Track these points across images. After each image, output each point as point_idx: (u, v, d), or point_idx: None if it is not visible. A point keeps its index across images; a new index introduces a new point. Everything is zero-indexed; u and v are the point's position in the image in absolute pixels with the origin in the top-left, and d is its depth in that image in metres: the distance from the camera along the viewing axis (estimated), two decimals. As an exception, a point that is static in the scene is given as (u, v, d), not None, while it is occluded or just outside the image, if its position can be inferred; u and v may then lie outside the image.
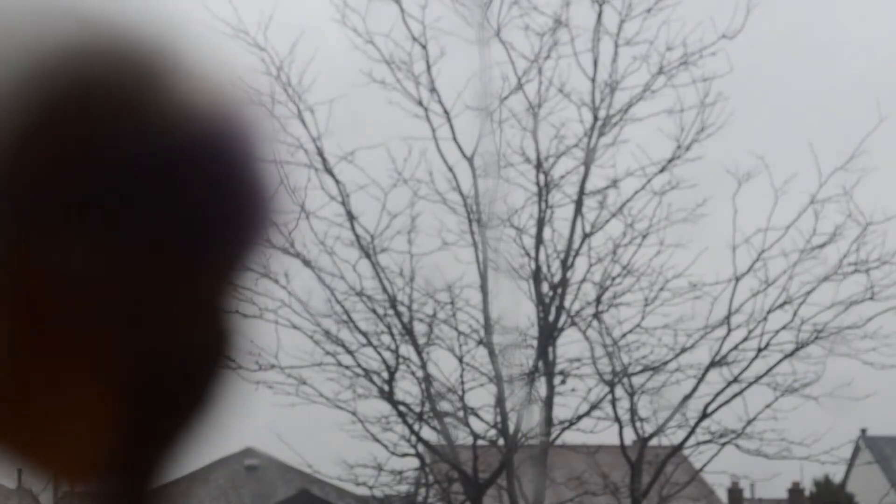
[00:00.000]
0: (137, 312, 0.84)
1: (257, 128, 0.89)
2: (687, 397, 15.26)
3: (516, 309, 15.36)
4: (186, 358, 0.88)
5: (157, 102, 0.83)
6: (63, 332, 0.83)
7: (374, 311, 15.02)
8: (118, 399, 0.85)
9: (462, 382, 15.14)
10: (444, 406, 15.21)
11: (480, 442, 15.20)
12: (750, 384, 15.26)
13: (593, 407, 15.32)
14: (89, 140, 0.81)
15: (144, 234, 0.83)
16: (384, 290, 15.01)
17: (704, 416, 15.27)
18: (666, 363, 15.31)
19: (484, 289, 15.16)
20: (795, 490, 35.54)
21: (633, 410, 15.34)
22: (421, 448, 15.38)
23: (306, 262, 14.85)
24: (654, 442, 15.60)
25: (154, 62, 0.84)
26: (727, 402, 15.29)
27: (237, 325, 0.90)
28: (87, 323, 0.83)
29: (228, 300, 0.89)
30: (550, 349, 15.25)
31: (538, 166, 15.28)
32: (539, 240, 15.29)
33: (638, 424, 15.39)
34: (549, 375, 15.17)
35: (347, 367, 14.97)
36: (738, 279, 15.30)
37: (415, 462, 15.68)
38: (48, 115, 0.81)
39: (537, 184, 15.30)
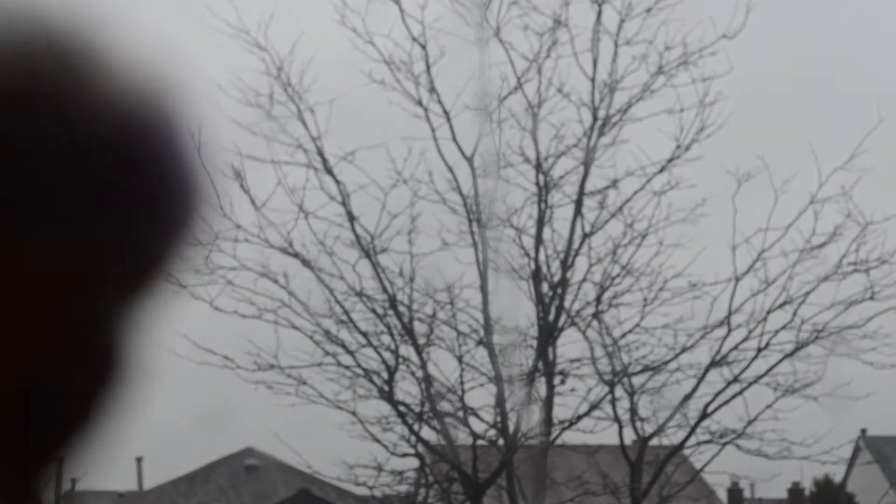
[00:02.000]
0: (39, 311, 0.83)
1: (184, 118, 0.87)
2: (687, 397, 15.26)
3: (516, 309, 15.37)
4: (79, 362, 0.87)
5: (80, 93, 0.82)
6: None
7: (373, 311, 15.03)
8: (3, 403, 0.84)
9: (462, 382, 15.16)
10: (444, 406, 15.22)
11: (480, 442, 15.20)
12: (750, 384, 15.27)
13: (593, 407, 15.32)
14: (11, 131, 0.81)
15: (65, 227, 0.82)
16: (384, 290, 15.01)
17: (704, 416, 15.28)
18: (666, 363, 15.32)
19: (484, 289, 15.16)
20: (795, 490, 35.50)
21: (633, 410, 15.35)
22: (421, 448, 15.38)
23: (306, 262, 14.86)
24: (654, 442, 15.60)
25: (76, 53, 0.83)
26: (727, 402, 15.30)
27: (144, 330, 0.88)
28: None
29: (142, 302, 0.87)
30: (550, 349, 15.25)
31: (538, 166, 15.28)
32: (539, 240, 15.29)
33: (638, 424, 15.40)
34: (549, 375, 15.17)
35: (347, 368, 14.98)
36: (738, 279, 15.30)
37: (415, 462, 15.70)
38: None
39: (537, 184, 15.30)
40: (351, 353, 14.96)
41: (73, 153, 0.82)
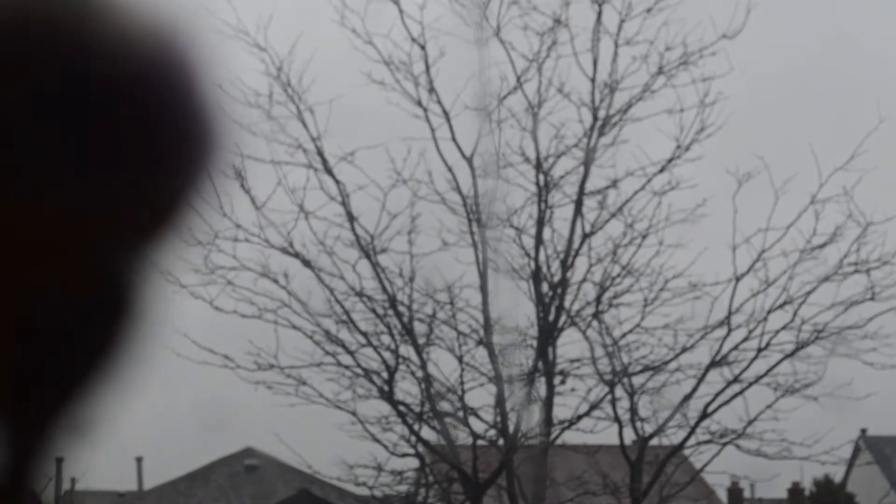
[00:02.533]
0: (54, 250, 0.83)
1: (199, 59, 0.87)
2: (687, 397, 15.26)
3: (516, 309, 15.37)
4: (93, 303, 0.86)
5: (96, 33, 0.82)
6: None
7: (373, 311, 15.02)
8: (12, 341, 0.84)
9: (462, 382, 15.16)
10: (444, 406, 15.22)
11: (480, 442, 15.20)
12: (750, 384, 15.27)
13: (593, 407, 15.32)
14: (27, 71, 0.81)
15: (81, 167, 0.82)
16: (384, 290, 15.01)
17: (704, 416, 15.28)
18: (666, 363, 15.32)
19: (484, 289, 15.16)
20: (795, 490, 35.50)
21: (633, 410, 15.35)
22: (421, 448, 15.38)
23: (306, 262, 14.86)
24: (654, 442, 15.61)
25: None
26: (727, 402, 15.30)
27: (156, 280, 0.87)
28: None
29: (157, 245, 0.86)
30: (550, 349, 15.25)
31: (538, 166, 15.28)
32: (539, 240, 15.29)
33: (638, 424, 15.40)
34: (549, 375, 15.17)
35: (347, 368, 14.98)
36: (738, 279, 15.31)
37: (415, 462, 15.70)
38: None
39: (537, 184, 15.30)
40: (351, 353, 14.97)
41: (91, 90, 0.82)
